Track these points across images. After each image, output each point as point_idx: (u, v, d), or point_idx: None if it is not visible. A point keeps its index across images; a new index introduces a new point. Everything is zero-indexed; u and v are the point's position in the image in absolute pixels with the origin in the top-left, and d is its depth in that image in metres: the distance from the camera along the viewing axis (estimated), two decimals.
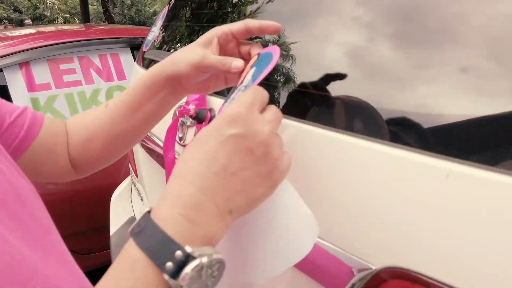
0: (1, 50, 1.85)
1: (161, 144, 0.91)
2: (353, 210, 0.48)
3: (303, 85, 0.62)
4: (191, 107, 0.78)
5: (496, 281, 0.36)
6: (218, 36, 0.53)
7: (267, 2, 0.79)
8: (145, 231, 0.34)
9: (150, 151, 1.11)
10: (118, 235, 1.55)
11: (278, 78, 0.68)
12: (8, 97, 1.84)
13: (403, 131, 0.45)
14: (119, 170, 1.97)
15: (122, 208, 1.67)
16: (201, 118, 0.79)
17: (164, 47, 1.23)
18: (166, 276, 0.33)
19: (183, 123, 0.89)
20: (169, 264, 0.33)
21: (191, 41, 1.03)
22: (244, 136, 0.37)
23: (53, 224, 0.37)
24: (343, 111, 0.53)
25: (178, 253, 0.33)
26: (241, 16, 0.87)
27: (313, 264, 0.51)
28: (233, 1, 0.94)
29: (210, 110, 0.83)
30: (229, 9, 0.94)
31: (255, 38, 0.76)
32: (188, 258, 0.33)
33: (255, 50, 0.54)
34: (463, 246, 0.38)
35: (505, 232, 0.35)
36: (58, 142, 0.60)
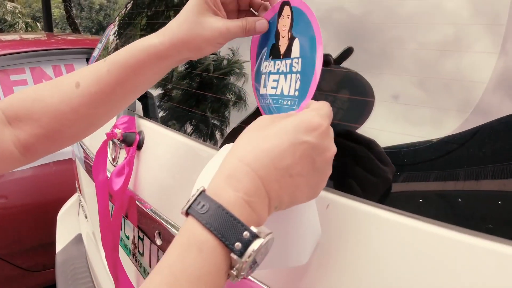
0: None
1: None
2: None
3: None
4: (118, 131, 0.75)
5: None
6: None
7: None
8: (210, 212, 0.36)
9: (89, 170, 1.05)
10: (64, 253, 1.47)
11: (230, 96, 0.67)
12: None
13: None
14: (67, 185, 1.87)
15: (69, 224, 1.60)
16: (129, 142, 0.77)
17: None
18: (234, 256, 0.35)
19: (115, 145, 0.86)
20: (238, 244, 0.35)
21: None
22: (315, 147, 0.39)
23: None
24: None
25: (246, 233, 0.35)
26: None
27: None
28: None
29: (139, 132, 0.80)
30: None
31: None
32: (253, 237, 0.35)
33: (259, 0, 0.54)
34: None
35: None
36: None
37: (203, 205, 0.36)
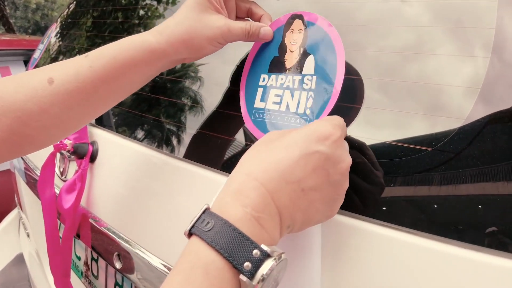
0: None
1: None
2: None
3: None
4: (68, 142, 0.68)
5: None
6: None
7: None
8: (216, 229, 0.33)
9: (31, 184, 0.96)
10: (3, 275, 1.36)
11: (185, 101, 0.65)
12: None
13: None
14: (4, 200, 1.71)
15: (8, 243, 1.46)
16: (80, 153, 0.70)
17: (59, 58, 1.12)
18: (244, 278, 0.32)
19: (63, 156, 0.79)
20: (247, 264, 0.32)
21: None
22: (328, 158, 0.37)
23: None
24: None
25: (256, 252, 0.32)
26: (147, 29, 0.80)
27: None
28: (139, 13, 0.88)
29: (93, 143, 0.73)
30: (135, 21, 0.88)
31: None
32: (265, 257, 0.32)
33: (259, 10, 0.53)
34: None
35: None
36: None
37: (208, 222, 0.33)
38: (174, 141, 0.61)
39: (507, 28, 0.38)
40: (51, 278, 0.96)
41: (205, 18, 0.49)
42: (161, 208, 0.59)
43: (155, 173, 0.61)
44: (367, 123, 0.43)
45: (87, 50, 1.01)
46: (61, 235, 0.76)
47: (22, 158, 1.08)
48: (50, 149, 0.71)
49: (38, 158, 0.93)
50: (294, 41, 0.49)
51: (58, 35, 1.25)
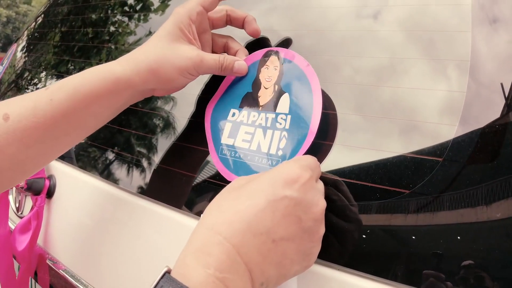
0: None
1: None
2: None
3: None
4: None
5: None
6: (193, 20, 0.47)
7: (147, 35, 0.75)
8: None
9: None
10: None
11: (157, 123, 0.61)
12: None
13: None
14: None
15: None
16: (36, 189, 0.65)
17: (25, 75, 1.08)
18: None
19: (18, 191, 0.73)
20: None
21: (59, 73, 0.86)
22: (298, 203, 0.34)
23: None
24: None
25: None
26: (118, 46, 0.79)
27: None
28: (110, 30, 0.84)
29: (50, 177, 0.68)
30: (106, 37, 0.85)
31: None
32: None
33: (235, 45, 0.51)
34: None
35: None
36: None
37: None
38: (137, 177, 0.57)
39: (483, 48, 0.37)
40: None
41: (176, 48, 0.46)
42: (122, 249, 0.55)
43: (117, 211, 0.57)
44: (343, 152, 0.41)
45: (54, 66, 0.97)
46: (17, 275, 0.69)
47: None
48: None
49: None
50: (269, 77, 0.46)
51: (24, 49, 1.21)
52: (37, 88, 0.99)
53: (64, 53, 0.97)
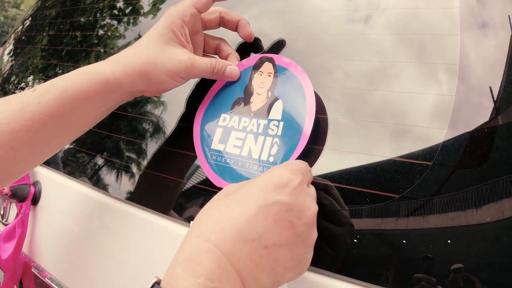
0: None
1: None
2: None
3: None
4: None
5: None
6: (186, 22, 0.47)
7: (136, 39, 0.75)
8: None
9: None
10: None
11: (147, 127, 0.60)
12: None
13: None
14: None
15: None
16: (21, 196, 0.64)
17: (11, 79, 1.07)
18: None
19: (2, 198, 0.72)
20: None
21: (47, 77, 0.85)
22: (289, 207, 0.33)
23: None
24: None
25: None
26: (107, 50, 0.79)
27: None
28: (99, 33, 0.83)
29: (35, 184, 0.67)
30: (95, 41, 0.84)
31: None
32: None
33: (227, 48, 0.51)
34: None
35: None
36: None
37: None
38: (125, 183, 0.56)
39: (471, 52, 0.37)
40: None
41: (167, 51, 0.46)
42: (110, 257, 0.54)
43: (104, 218, 0.56)
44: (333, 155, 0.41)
45: (42, 70, 0.95)
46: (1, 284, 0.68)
47: None
48: None
49: None
50: (262, 84, 0.46)
51: (11, 53, 1.20)
52: None
53: (52, 57, 0.96)
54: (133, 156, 0.58)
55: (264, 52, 0.50)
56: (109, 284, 0.53)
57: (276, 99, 0.44)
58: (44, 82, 0.91)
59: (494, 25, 0.38)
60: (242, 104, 0.46)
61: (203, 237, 0.31)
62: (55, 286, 0.59)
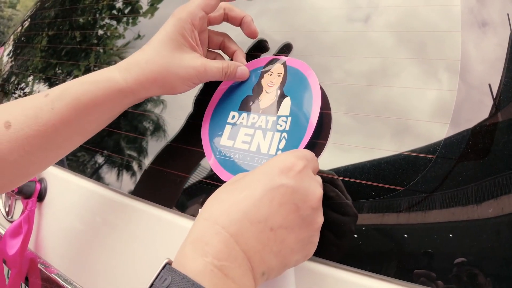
0: None
1: None
2: None
3: None
4: None
5: None
6: (196, 26, 0.47)
7: (135, 39, 0.75)
8: (174, 287, 0.30)
9: None
10: None
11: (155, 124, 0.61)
12: None
13: None
14: None
15: None
16: (27, 193, 0.64)
17: (11, 79, 1.06)
18: None
19: (8, 194, 0.72)
20: None
21: (47, 77, 0.85)
22: (294, 190, 0.34)
23: None
24: None
25: None
26: (107, 50, 0.79)
27: None
28: (98, 33, 0.84)
29: (40, 181, 0.67)
30: (94, 41, 0.84)
31: None
32: None
33: (232, 44, 0.51)
34: None
35: None
36: None
37: (165, 279, 0.31)
38: (130, 179, 0.57)
39: (472, 49, 0.38)
40: None
41: (179, 57, 0.46)
42: (115, 251, 0.54)
43: (109, 214, 0.57)
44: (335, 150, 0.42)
45: (42, 70, 0.96)
46: (8, 280, 0.69)
47: None
48: None
49: None
50: (272, 83, 0.47)
51: (11, 54, 1.20)
52: (24, 93, 0.98)
53: (51, 57, 0.96)
54: (138, 152, 0.59)
55: (275, 54, 0.51)
56: (115, 278, 0.54)
57: (284, 96, 0.45)
58: (44, 81, 0.91)
59: (494, 24, 0.39)
60: (251, 102, 0.48)
61: (211, 220, 0.33)
62: (61, 281, 0.59)
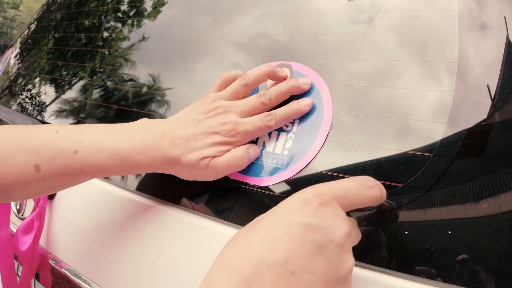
0: None
1: None
2: None
3: None
4: None
5: None
6: None
7: (140, 41, 0.77)
8: None
9: None
10: None
11: None
12: None
13: None
14: None
15: None
16: None
17: (19, 81, 1.08)
18: None
19: None
20: None
21: (53, 78, 0.86)
22: (316, 229, 0.30)
23: None
24: None
25: None
26: (112, 52, 0.80)
27: None
28: (104, 36, 0.86)
29: None
30: (99, 43, 0.86)
31: None
32: None
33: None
34: None
35: None
36: None
37: None
38: (137, 176, 0.58)
39: (469, 51, 0.39)
40: None
41: None
42: (123, 248, 0.56)
43: (119, 212, 0.58)
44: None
45: (48, 72, 0.97)
46: (19, 277, 0.71)
47: None
48: None
49: None
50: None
51: (18, 56, 1.21)
52: (31, 94, 0.99)
53: (58, 59, 0.97)
54: None
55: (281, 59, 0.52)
56: (123, 273, 0.56)
57: (291, 99, 0.47)
58: (50, 83, 0.91)
59: (491, 26, 0.40)
60: None
61: (225, 263, 0.30)
62: (72, 276, 0.61)
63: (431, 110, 0.39)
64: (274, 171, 0.44)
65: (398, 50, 0.44)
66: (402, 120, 0.40)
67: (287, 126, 0.45)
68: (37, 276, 0.70)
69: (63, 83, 0.88)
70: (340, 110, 0.44)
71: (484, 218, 0.34)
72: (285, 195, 0.43)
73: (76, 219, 0.65)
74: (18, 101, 1.01)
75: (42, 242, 0.68)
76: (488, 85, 0.38)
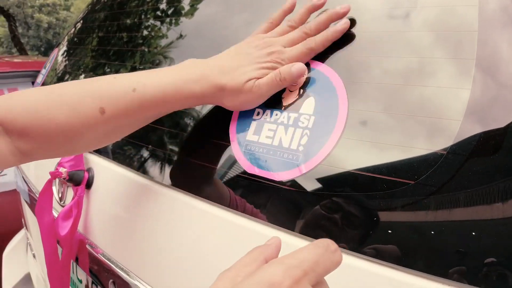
0: None
1: None
2: None
3: None
4: (63, 170, 0.68)
5: None
6: None
7: (178, 38, 0.77)
8: None
9: (33, 207, 0.96)
10: None
11: (188, 122, 0.63)
12: None
13: None
14: (13, 219, 1.71)
15: (17, 263, 1.47)
16: (76, 180, 0.70)
17: (65, 78, 1.14)
18: None
19: (61, 182, 0.78)
20: None
21: (97, 75, 0.89)
22: None
23: None
24: None
25: None
26: (151, 50, 0.82)
27: None
28: (143, 34, 0.89)
29: (88, 170, 0.73)
30: (139, 41, 0.88)
31: None
32: None
33: None
34: None
35: None
36: None
37: None
38: (167, 170, 0.60)
39: (487, 48, 0.38)
40: None
41: None
42: (154, 237, 0.58)
43: (150, 202, 0.60)
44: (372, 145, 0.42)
45: (92, 69, 1.01)
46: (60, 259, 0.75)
47: (25, 181, 1.09)
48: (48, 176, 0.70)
49: (40, 181, 0.94)
50: (296, 83, 0.49)
51: (65, 54, 1.26)
52: None
53: (101, 57, 1.00)
54: (178, 146, 0.62)
55: None
56: (152, 259, 0.58)
57: (308, 96, 0.47)
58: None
59: (509, 23, 0.39)
60: (275, 99, 0.50)
61: None
62: (106, 260, 0.65)
63: (446, 108, 0.38)
64: (289, 166, 0.45)
65: (410, 48, 0.43)
66: (417, 117, 0.39)
67: (302, 123, 0.46)
68: (76, 260, 0.74)
69: None
70: (353, 107, 0.43)
71: (499, 221, 0.33)
72: (297, 189, 0.44)
73: (111, 208, 0.68)
74: None
75: (80, 228, 0.72)
76: (503, 85, 0.36)
